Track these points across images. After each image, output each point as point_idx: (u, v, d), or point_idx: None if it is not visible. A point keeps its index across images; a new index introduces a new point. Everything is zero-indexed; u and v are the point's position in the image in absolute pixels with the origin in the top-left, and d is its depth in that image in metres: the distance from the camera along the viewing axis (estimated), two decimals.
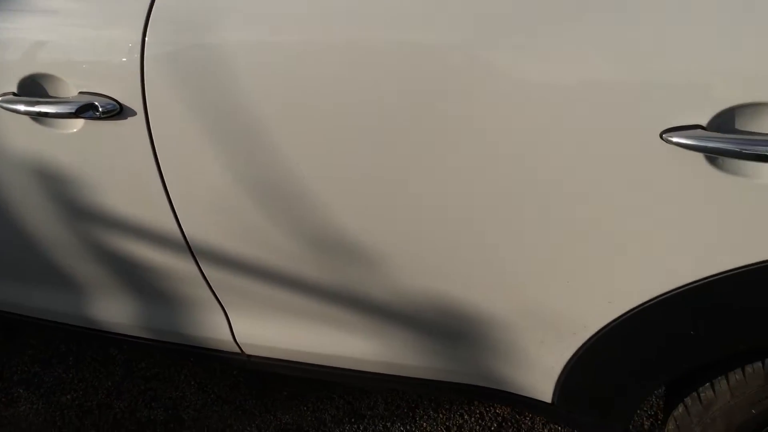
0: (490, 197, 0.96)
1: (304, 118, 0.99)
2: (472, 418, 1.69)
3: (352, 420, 1.73)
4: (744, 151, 0.77)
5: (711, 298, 0.92)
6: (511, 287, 1.06)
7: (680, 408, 1.14)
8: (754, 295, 0.89)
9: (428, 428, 1.68)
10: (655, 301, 0.96)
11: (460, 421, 1.68)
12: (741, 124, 0.78)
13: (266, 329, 1.38)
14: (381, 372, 1.33)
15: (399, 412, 1.73)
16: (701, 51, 0.78)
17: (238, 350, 1.44)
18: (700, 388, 1.09)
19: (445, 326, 1.19)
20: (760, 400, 1.02)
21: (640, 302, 0.97)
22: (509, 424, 1.66)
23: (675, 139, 0.80)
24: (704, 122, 0.79)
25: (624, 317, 1.00)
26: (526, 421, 1.66)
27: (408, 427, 1.69)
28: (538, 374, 1.19)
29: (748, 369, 1.02)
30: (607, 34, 0.82)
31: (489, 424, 1.67)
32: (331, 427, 1.72)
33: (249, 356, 1.45)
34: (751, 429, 1.06)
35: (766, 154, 0.76)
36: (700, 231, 0.87)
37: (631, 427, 1.31)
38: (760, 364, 1.00)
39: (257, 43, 0.98)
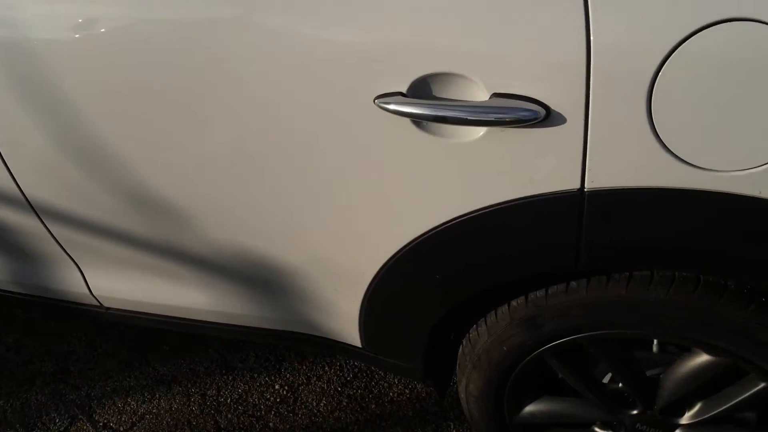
0: (262, 157, 1.08)
1: (108, 88, 1.11)
2: (332, 370, 1.83)
3: (224, 372, 1.86)
4: (435, 115, 0.90)
5: (444, 245, 1.05)
6: (299, 239, 1.19)
7: (460, 349, 1.28)
8: (473, 244, 1.02)
9: (291, 378, 1.82)
10: (407, 247, 1.09)
11: (321, 372, 1.82)
12: (435, 91, 0.91)
13: (117, 282, 1.50)
14: (214, 321, 1.46)
15: (267, 365, 1.87)
16: (404, 24, 0.90)
17: (96, 303, 1.57)
18: (470, 330, 1.23)
19: (258, 277, 1.32)
20: (509, 338, 1.16)
21: (396, 249, 1.10)
22: (363, 374, 1.80)
23: (383, 105, 0.92)
24: (404, 89, 0.91)
25: (389, 263, 1.13)
26: (379, 372, 1.80)
27: (273, 378, 1.83)
28: (343, 320, 1.32)
29: (500, 310, 1.16)
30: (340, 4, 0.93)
31: (346, 374, 1.81)
32: (203, 378, 1.85)
33: (107, 308, 1.58)
34: (507, 365, 1.20)
35: (450, 116, 0.89)
36: (424, 185, 1.00)
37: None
38: (506, 306, 1.14)
39: (53, 16, 1.09)
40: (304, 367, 1.84)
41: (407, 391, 1.75)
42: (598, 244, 0.95)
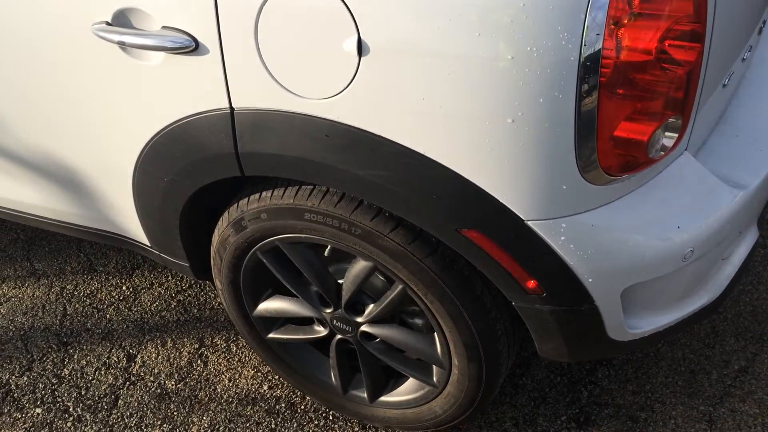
0: (31, 78, 1.38)
1: None
2: (173, 279, 2.13)
3: (86, 272, 2.18)
4: (119, 40, 1.18)
5: (161, 150, 1.33)
6: (76, 142, 1.48)
7: (211, 247, 1.56)
8: (173, 152, 1.30)
9: (138, 282, 2.13)
10: (145, 149, 1.36)
11: (163, 280, 2.13)
12: (135, 21, 1.18)
13: None
14: (44, 216, 1.76)
15: (122, 270, 2.18)
16: None
17: None
18: (214, 230, 1.51)
19: (65, 176, 1.61)
20: (227, 237, 1.43)
21: (138, 151, 1.38)
22: (197, 285, 2.10)
23: (96, 32, 1.20)
24: (109, 19, 1.19)
25: (138, 162, 1.40)
26: (210, 284, 2.09)
27: (123, 280, 2.14)
28: (127, 217, 1.61)
29: (224, 213, 1.43)
30: None
31: (183, 284, 2.11)
32: (68, 275, 2.18)
33: None
34: (234, 263, 1.47)
35: (128, 42, 1.17)
36: (138, 100, 1.28)
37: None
38: (227, 210, 1.42)
39: None
40: (152, 275, 2.15)
41: None
42: (250, 155, 1.22)
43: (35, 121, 1.51)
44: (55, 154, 1.55)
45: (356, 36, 1.02)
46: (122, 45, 1.19)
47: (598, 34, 0.95)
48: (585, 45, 0.95)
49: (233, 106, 1.18)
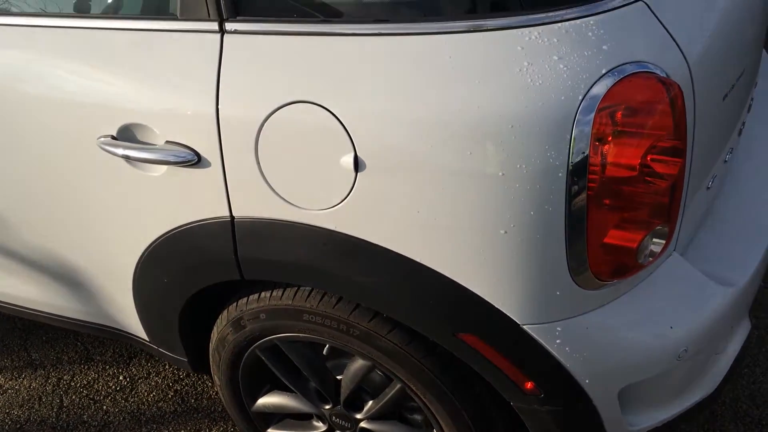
0: (37, 182, 1.42)
1: None
2: (170, 368, 2.13)
3: (83, 361, 2.17)
4: (125, 155, 1.22)
5: (161, 254, 1.35)
6: (78, 244, 1.51)
7: (210, 344, 1.57)
8: (175, 255, 1.33)
9: (135, 372, 2.12)
10: (146, 253, 1.39)
11: (160, 369, 2.12)
12: (140, 136, 1.23)
13: None
14: (42, 311, 1.78)
15: (119, 360, 2.17)
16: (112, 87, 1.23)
17: None
18: (213, 328, 1.53)
19: (64, 274, 1.63)
20: (226, 336, 1.45)
21: (140, 253, 1.40)
22: (193, 375, 2.09)
23: (102, 146, 1.24)
24: (114, 133, 1.24)
25: (139, 263, 1.43)
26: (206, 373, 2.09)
27: (120, 370, 2.13)
28: (129, 315, 1.63)
29: (223, 312, 1.45)
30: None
31: (180, 372, 2.10)
32: (65, 365, 2.17)
33: None
34: (232, 360, 1.49)
35: (134, 156, 1.21)
36: (140, 208, 1.31)
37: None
38: (226, 309, 1.44)
39: None
40: (149, 364, 2.14)
41: None
42: (250, 260, 1.25)
43: (39, 223, 1.54)
44: (58, 254, 1.58)
45: (353, 153, 1.07)
46: (127, 158, 1.23)
47: (584, 152, 1.00)
48: (572, 162, 1.00)
49: (234, 214, 1.21)
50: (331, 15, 1.10)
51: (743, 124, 1.41)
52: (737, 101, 1.30)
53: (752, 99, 1.48)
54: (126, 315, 1.64)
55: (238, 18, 1.13)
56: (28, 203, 1.50)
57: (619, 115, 1.01)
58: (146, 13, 1.22)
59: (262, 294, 1.36)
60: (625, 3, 1.03)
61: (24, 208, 1.52)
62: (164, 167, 1.22)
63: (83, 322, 1.77)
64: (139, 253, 1.41)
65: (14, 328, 2.33)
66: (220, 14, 1.13)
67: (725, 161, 1.34)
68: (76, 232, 1.49)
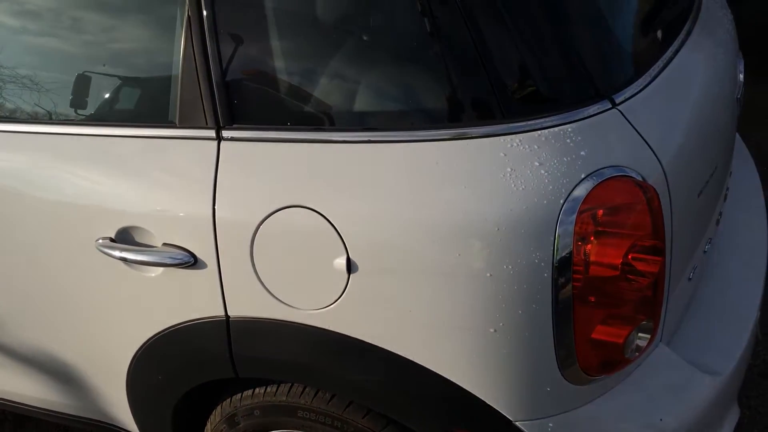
0: (32, 283, 1.44)
1: None
2: None
3: None
4: (122, 257, 1.25)
5: (156, 353, 1.37)
6: (72, 342, 1.52)
7: None
8: (170, 353, 1.34)
9: None
10: (139, 351, 1.40)
11: None
12: (138, 238, 1.27)
13: None
14: (34, 405, 1.76)
15: None
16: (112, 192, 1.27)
17: None
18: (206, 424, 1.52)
19: (57, 369, 1.63)
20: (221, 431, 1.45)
21: (134, 352, 1.42)
22: None
23: (100, 248, 1.28)
24: (113, 235, 1.27)
25: (132, 363, 1.44)
26: None
27: None
28: (121, 410, 1.62)
29: (217, 408, 1.45)
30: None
31: None
32: None
33: None
34: None
35: (131, 258, 1.24)
36: (136, 307, 1.33)
37: None
38: (220, 405, 1.44)
39: None
40: None
41: None
42: (244, 359, 1.27)
43: (34, 319, 1.55)
44: (52, 350, 1.58)
45: (345, 254, 1.10)
46: (124, 260, 1.26)
47: (568, 252, 1.04)
48: (556, 262, 1.04)
49: (229, 314, 1.24)
50: (323, 123, 1.16)
51: (720, 213, 1.47)
52: (712, 195, 1.36)
53: (728, 189, 1.54)
54: (119, 410, 1.64)
55: (234, 125, 1.19)
56: (24, 300, 1.52)
57: (600, 215, 1.06)
58: (146, 121, 1.28)
59: (257, 390, 1.37)
60: (599, 111, 1.10)
61: (19, 305, 1.53)
62: (161, 269, 1.25)
63: (76, 417, 1.76)
64: (134, 351, 1.42)
65: (5, 420, 2.29)
66: (217, 122, 1.19)
67: (705, 251, 1.39)
68: (71, 329, 1.50)
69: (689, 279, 1.32)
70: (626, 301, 1.09)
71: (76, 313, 1.44)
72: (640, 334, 1.14)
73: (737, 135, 1.86)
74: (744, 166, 1.82)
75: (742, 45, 1.73)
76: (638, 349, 1.14)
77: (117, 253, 1.26)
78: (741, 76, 1.61)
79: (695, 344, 1.33)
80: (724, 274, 1.50)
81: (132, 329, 1.38)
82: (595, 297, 1.08)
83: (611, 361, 1.13)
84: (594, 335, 1.11)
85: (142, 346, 1.40)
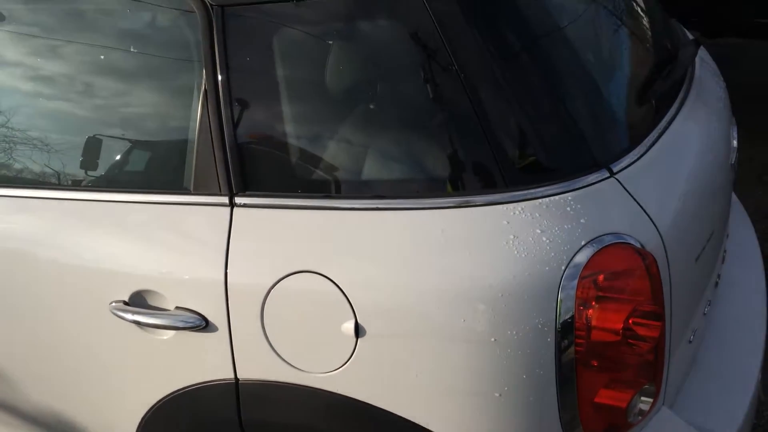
0: (42, 348, 1.47)
1: None
2: None
3: None
4: (134, 320, 1.28)
5: (166, 414, 1.38)
6: (81, 406, 1.53)
7: None
8: (179, 416, 1.36)
9: None
10: (148, 413, 1.42)
11: None
12: (151, 301, 1.30)
13: None
14: None
15: None
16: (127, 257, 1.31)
17: None
18: None
19: (66, 429, 1.65)
20: None
21: (142, 414, 1.43)
22: None
23: (113, 311, 1.31)
24: (126, 298, 1.31)
25: (141, 423, 1.45)
26: None
27: None
28: None
29: None
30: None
31: None
32: None
33: None
34: None
35: (143, 322, 1.28)
36: (145, 368, 1.36)
37: None
38: None
39: None
40: None
41: None
42: (253, 423, 1.28)
43: (44, 380, 1.57)
44: (59, 411, 1.60)
45: (353, 319, 1.13)
46: (137, 323, 1.29)
47: (570, 317, 1.07)
48: (559, 327, 1.07)
49: (238, 377, 1.26)
50: (331, 190, 1.21)
51: (719, 276, 1.50)
52: (710, 258, 1.39)
53: (725, 251, 1.58)
54: None
55: (246, 192, 1.23)
56: (36, 361, 1.54)
57: (601, 280, 1.09)
58: (161, 188, 1.33)
59: None
60: (598, 180, 1.14)
61: (31, 366, 1.55)
62: (173, 332, 1.28)
63: None
64: (143, 412, 1.43)
65: None
66: (230, 189, 1.24)
67: (704, 314, 1.42)
68: (81, 389, 1.52)
69: (690, 342, 1.34)
70: (628, 365, 1.12)
71: (86, 374, 1.46)
72: (642, 398, 1.15)
73: (734, 197, 1.91)
74: (742, 228, 1.86)
75: (740, 104, 1.79)
76: (641, 412, 1.15)
77: (130, 316, 1.29)
78: (735, 142, 1.66)
79: (698, 407, 1.34)
80: (724, 336, 1.52)
81: (141, 392, 1.40)
82: (597, 361, 1.10)
83: (615, 424, 1.15)
84: (597, 399, 1.12)
85: (151, 408, 1.41)
